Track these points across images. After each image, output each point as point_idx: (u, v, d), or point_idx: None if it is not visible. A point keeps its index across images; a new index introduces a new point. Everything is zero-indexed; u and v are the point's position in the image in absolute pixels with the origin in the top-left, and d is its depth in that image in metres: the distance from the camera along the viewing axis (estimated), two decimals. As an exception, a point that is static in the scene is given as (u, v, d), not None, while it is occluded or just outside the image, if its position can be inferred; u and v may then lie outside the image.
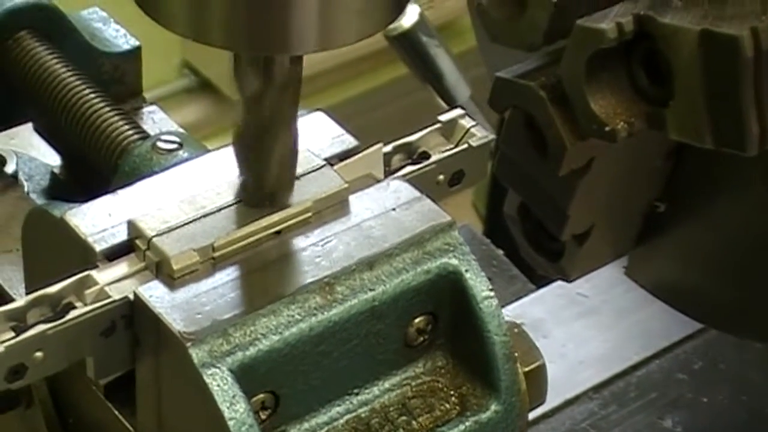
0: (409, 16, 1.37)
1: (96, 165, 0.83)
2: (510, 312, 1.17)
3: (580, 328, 1.15)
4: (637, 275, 0.95)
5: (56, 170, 0.94)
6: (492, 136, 0.78)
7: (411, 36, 1.37)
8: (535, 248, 0.90)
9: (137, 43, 0.91)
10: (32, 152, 0.96)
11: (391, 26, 1.39)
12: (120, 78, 0.91)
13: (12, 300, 0.81)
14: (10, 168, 0.94)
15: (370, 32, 0.63)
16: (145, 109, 0.92)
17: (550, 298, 1.17)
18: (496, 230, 1.30)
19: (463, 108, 1.42)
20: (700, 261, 0.92)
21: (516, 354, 0.74)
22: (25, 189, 0.93)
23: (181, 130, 0.89)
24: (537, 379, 0.78)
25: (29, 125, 0.93)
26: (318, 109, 0.78)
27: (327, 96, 2.20)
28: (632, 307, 1.14)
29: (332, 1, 0.61)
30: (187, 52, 2.32)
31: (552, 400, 1.04)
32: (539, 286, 1.18)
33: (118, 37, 0.91)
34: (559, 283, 1.15)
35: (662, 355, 1.13)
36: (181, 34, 0.63)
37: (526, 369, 0.77)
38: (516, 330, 0.77)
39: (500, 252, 1.23)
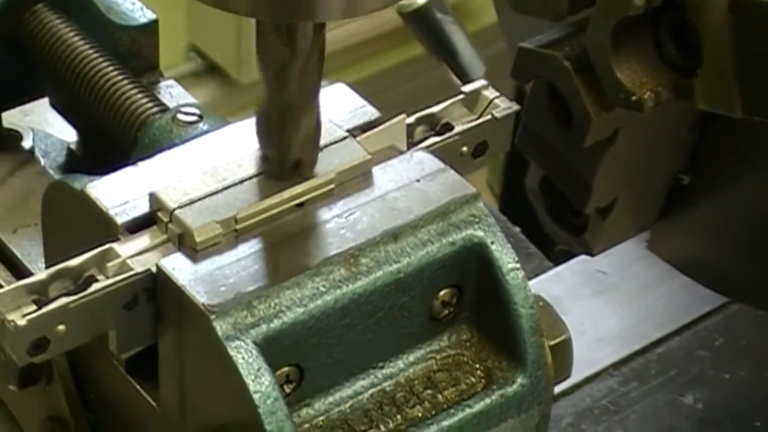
0: (424, -8, 1.36)
1: (115, 138, 0.83)
2: (528, 288, 1.16)
3: (599, 305, 1.14)
4: (659, 249, 0.94)
5: (72, 146, 0.93)
6: (516, 107, 0.77)
7: (425, 12, 1.36)
8: (558, 222, 0.89)
9: (154, 16, 0.90)
10: (48, 128, 0.96)
11: (405, 2, 1.38)
12: (137, 52, 0.90)
13: (32, 275, 0.81)
14: (26, 144, 0.93)
15: (391, 1, 0.62)
16: (163, 83, 0.91)
17: (569, 275, 1.16)
18: (511, 208, 1.29)
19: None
20: (723, 235, 0.91)
21: (542, 327, 0.73)
22: (42, 165, 0.93)
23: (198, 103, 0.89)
24: (563, 352, 0.77)
25: (44, 101, 0.93)
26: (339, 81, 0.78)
27: (342, 76, 2.20)
28: (651, 284, 1.14)
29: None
30: (194, 36, 2.31)
31: (571, 378, 1.03)
32: (557, 264, 1.17)
33: (134, 10, 0.90)
34: (578, 259, 1.14)
35: (682, 331, 1.12)
36: (204, 1, 0.62)
37: (552, 342, 0.76)
38: (541, 303, 0.76)
39: (517, 229, 1.22)
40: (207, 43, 2.31)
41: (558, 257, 1.16)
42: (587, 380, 1.09)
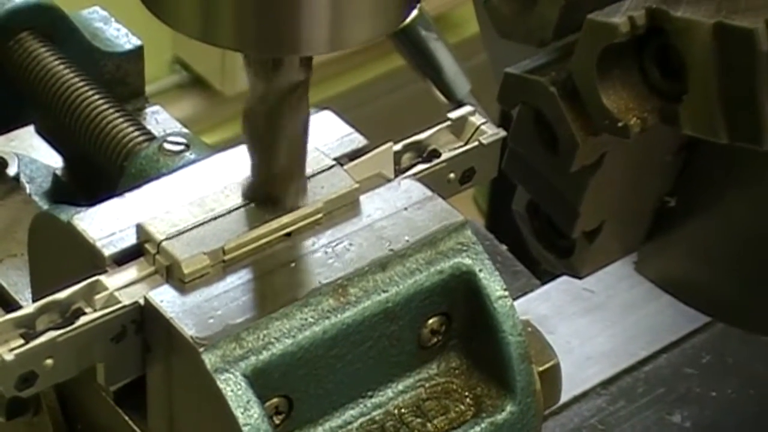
0: (408, 10, 1.36)
1: (101, 167, 0.83)
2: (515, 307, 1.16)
3: (586, 324, 1.14)
4: (647, 271, 0.95)
5: (58, 172, 0.93)
6: (503, 133, 0.77)
7: (410, 30, 1.36)
8: (545, 245, 0.89)
9: (139, 42, 0.91)
10: (33, 154, 0.96)
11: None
12: (122, 78, 0.91)
13: (18, 305, 0.81)
14: (12, 170, 0.93)
15: (380, 33, 0.63)
16: (148, 109, 0.92)
17: (556, 293, 1.16)
18: (498, 225, 1.29)
19: (462, 104, 1.42)
20: (710, 256, 0.91)
21: (530, 353, 0.73)
22: (27, 191, 0.93)
23: (185, 130, 0.89)
24: (552, 378, 0.77)
25: (30, 127, 0.93)
26: (325, 108, 0.78)
27: (324, 88, 2.20)
28: (638, 303, 1.14)
29: (342, 3, 0.61)
30: (179, 48, 2.32)
31: (560, 397, 1.03)
32: (544, 282, 1.17)
33: (119, 36, 0.91)
34: (565, 278, 1.14)
35: (670, 349, 1.12)
36: (188, 34, 0.62)
37: (541, 368, 0.76)
38: (530, 329, 0.77)
39: (504, 247, 1.22)
40: (191, 56, 2.32)
41: (545, 275, 1.17)
42: (575, 399, 1.09)
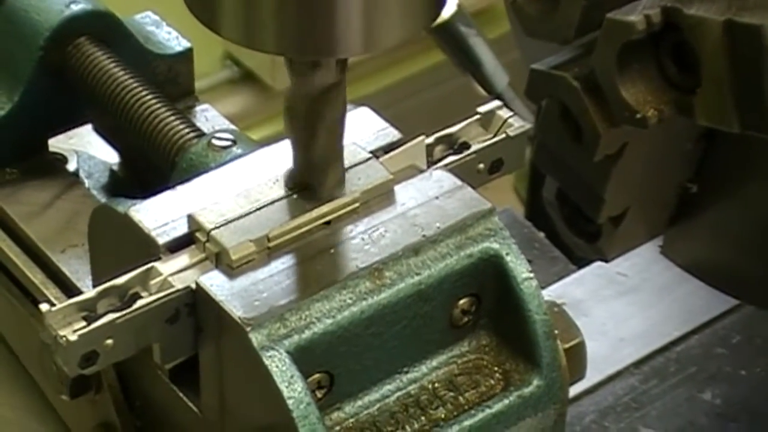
0: (448, 7, 1.40)
1: (154, 162, 0.87)
2: (552, 292, 1.19)
3: (620, 307, 1.17)
4: (672, 253, 0.98)
5: (115, 167, 0.97)
6: (528, 126, 0.81)
7: (450, 26, 1.40)
8: (574, 231, 0.93)
9: (189, 44, 0.95)
10: (91, 150, 1.00)
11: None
12: (173, 78, 0.95)
13: (80, 292, 0.85)
14: (71, 166, 0.97)
15: (412, 33, 0.67)
16: (198, 108, 0.96)
17: (590, 278, 1.19)
18: (537, 213, 1.33)
19: (501, 96, 1.46)
20: (732, 239, 0.94)
21: (556, 332, 0.78)
22: (86, 186, 0.97)
23: (232, 126, 0.93)
24: (577, 355, 0.81)
25: (88, 126, 0.96)
26: (363, 104, 0.82)
27: (366, 84, 2.23)
28: (670, 285, 1.16)
29: (376, 6, 0.65)
30: (229, 45, 2.33)
31: (594, 377, 1.07)
32: (580, 267, 1.21)
33: (170, 39, 0.95)
34: (599, 263, 1.17)
35: (701, 330, 1.14)
36: (231, 39, 0.67)
37: (566, 346, 0.80)
38: (556, 309, 0.81)
39: (541, 234, 1.25)
40: (242, 52, 2.34)
41: (581, 260, 1.20)
42: (609, 379, 1.12)
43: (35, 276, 0.87)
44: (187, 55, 0.95)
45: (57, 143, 0.99)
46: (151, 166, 0.89)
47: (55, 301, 0.85)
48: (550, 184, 0.93)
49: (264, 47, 0.66)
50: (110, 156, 0.98)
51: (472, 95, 1.44)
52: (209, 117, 0.95)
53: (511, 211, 1.32)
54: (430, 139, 0.81)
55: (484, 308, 0.77)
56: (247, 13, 0.66)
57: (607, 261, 0.95)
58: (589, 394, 1.10)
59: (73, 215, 0.89)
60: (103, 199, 0.96)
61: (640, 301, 1.17)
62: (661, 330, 1.15)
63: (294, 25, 0.65)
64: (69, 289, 0.86)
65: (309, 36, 0.66)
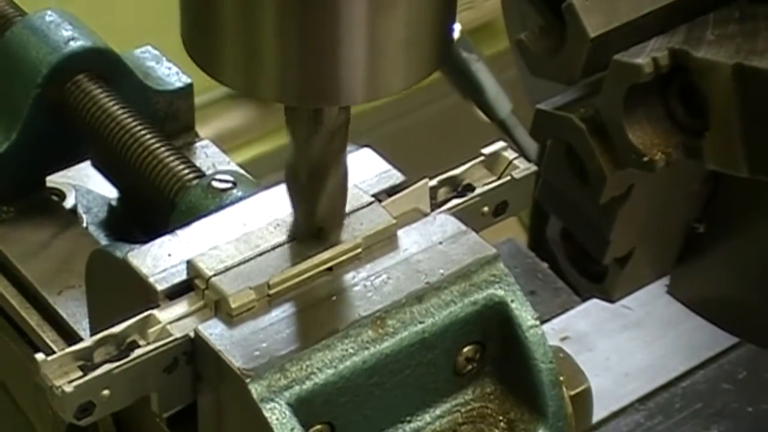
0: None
1: (153, 202, 0.87)
2: (555, 325, 1.19)
3: (624, 341, 1.17)
4: (678, 293, 0.97)
5: (113, 202, 0.97)
6: (534, 168, 0.80)
7: (452, 52, 1.39)
8: (579, 271, 0.93)
9: (189, 80, 0.94)
10: (90, 184, 0.99)
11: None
12: (174, 114, 0.94)
13: (77, 335, 0.85)
14: (69, 202, 0.97)
15: (415, 80, 0.66)
16: (198, 144, 0.95)
17: (595, 311, 1.19)
18: (540, 243, 1.32)
19: (504, 123, 1.45)
20: (740, 279, 0.94)
21: (562, 378, 0.77)
22: (84, 222, 0.97)
23: (233, 165, 0.92)
24: (583, 401, 0.80)
25: (87, 162, 0.96)
26: (365, 146, 0.81)
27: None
28: (676, 319, 1.16)
29: (379, 55, 0.64)
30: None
31: (598, 413, 1.05)
32: (584, 299, 1.20)
33: (170, 75, 0.94)
34: (603, 296, 1.17)
35: (706, 365, 1.14)
36: (232, 87, 0.66)
37: (572, 392, 0.79)
38: (562, 355, 0.80)
39: (545, 265, 1.25)
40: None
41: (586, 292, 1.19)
42: (614, 415, 1.12)
43: (31, 318, 0.86)
44: (187, 90, 0.94)
45: (55, 177, 0.98)
46: (151, 203, 0.88)
47: (51, 344, 0.84)
48: (554, 222, 0.92)
49: (264, 95, 0.65)
50: (109, 191, 0.97)
51: (465, 114, 1.43)
52: (209, 153, 0.95)
53: (514, 241, 1.31)
54: (434, 182, 0.80)
55: (489, 356, 0.76)
56: (247, 61, 0.65)
57: (612, 302, 0.94)
58: (593, 431, 1.10)
59: (70, 255, 0.88)
60: (101, 236, 0.95)
61: (645, 335, 1.17)
62: (666, 365, 1.15)
63: (296, 72, 0.64)
64: (66, 331, 0.85)
65: (311, 84, 0.65)
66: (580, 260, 0.92)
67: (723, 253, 0.93)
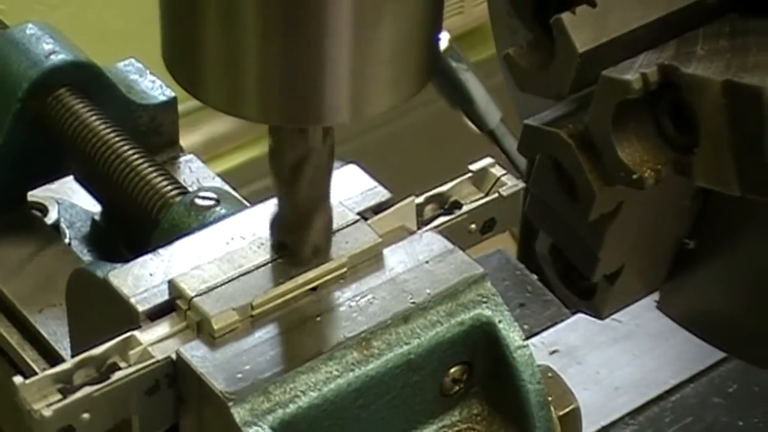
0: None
1: (136, 219, 0.85)
2: (545, 339, 1.18)
3: (614, 354, 1.16)
4: (668, 309, 0.96)
5: (96, 217, 0.96)
6: (522, 185, 0.79)
7: (441, 62, 1.38)
8: (567, 287, 0.91)
9: (173, 94, 0.93)
10: (73, 198, 0.99)
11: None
12: (157, 128, 0.93)
13: (57, 354, 0.84)
14: (51, 217, 0.96)
15: (400, 101, 0.65)
16: (182, 158, 0.94)
17: (584, 324, 1.18)
18: (530, 255, 1.31)
19: (493, 133, 1.44)
20: (730, 295, 0.93)
21: (550, 398, 0.76)
22: (67, 237, 0.96)
23: (217, 180, 0.91)
24: (571, 421, 0.79)
25: (69, 177, 0.95)
26: (351, 162, 0.80)
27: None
28: (666, 332, 1.15)
29: (363, 75, 0.63)
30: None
31: (588, 427, 1.04)
32: (574, 312, 1.19)
33: (154, 88, 0.93)
34: (593, 308, 1.16)
35: (697, 379, 1.13)
36: (215, 107, 0.65)
37: (561, 413, 0.78)
38: (550, 374, 0.79)
39: (534, 277, 1.24)
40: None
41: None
42: (604, 429, 1.11)
43: (12, 336, 0.85)
44: (171, 104, 0.93)
45: (38, 191, 0.97)
46: (134, 220, 0.87)
47: (32, 364, 0.83)
48: (543, 238, 0.91)
49: (248, 115, 0.64)
50: (93, 205, 0.97)
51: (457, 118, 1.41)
52: (194, 168, 0.94)
53: (503, 252, 1.30)
54: (420, 199, 0.79)
55: (476, 376, 0.75)
56: (230, 82, 0.63)
57: (601, 318, 0.92)
58: (583, 446, 1.09)
59: (51, 273, 0.88)
60: (85, 251, 0.94)
61: (635, 348, 1.16)
62: (656, 378, 1.14)
63: (279, 92, 0.63)
64: (47, 350, 0.84)
65: (295, 104, 0.63)
66: (569, 276, 0.91)
67: (713, 269, 0.92)
